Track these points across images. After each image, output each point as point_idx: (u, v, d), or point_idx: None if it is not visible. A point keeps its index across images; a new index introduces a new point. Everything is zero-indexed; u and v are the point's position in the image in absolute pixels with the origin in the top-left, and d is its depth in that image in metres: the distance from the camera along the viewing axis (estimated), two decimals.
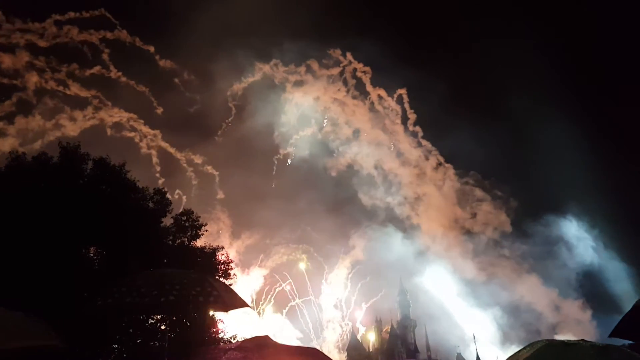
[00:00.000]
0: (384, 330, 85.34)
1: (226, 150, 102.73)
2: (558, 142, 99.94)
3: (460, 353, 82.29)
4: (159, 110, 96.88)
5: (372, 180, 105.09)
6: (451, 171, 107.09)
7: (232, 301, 6.71)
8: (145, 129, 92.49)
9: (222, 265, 26.75)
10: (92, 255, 23.00)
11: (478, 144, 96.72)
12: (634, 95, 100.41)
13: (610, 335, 4.92)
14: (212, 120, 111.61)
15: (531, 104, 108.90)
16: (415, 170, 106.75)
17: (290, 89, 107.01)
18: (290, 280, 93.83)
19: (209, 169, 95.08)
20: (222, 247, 27.62)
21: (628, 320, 4.76)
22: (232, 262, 28.40)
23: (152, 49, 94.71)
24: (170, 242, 25.74)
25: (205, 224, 27.22)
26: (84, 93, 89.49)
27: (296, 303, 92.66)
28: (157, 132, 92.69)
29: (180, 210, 26.93)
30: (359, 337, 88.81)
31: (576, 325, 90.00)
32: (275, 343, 4.18)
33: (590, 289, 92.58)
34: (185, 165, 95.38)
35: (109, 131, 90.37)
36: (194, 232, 26.43)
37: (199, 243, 26.63)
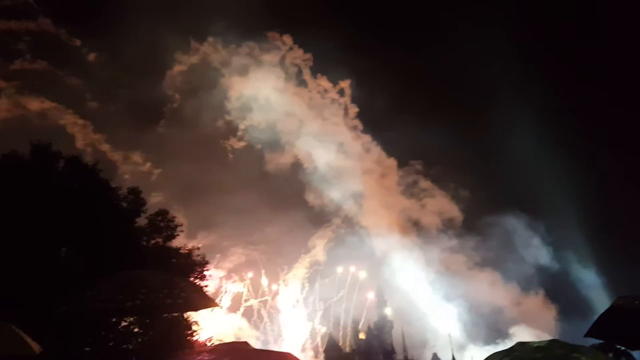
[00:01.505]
0: (361, 330, 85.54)
1: (171, 142, 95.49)
2: (517, 141, 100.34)
3: (436, 353, 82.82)
4: (92, 104, 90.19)
5: (320, 176, 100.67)
6: (396, 165, 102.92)
7: (201, 302, 6.54)
8: (75, 119, 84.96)
9: (198, 267, 26.46)
10: (65, 256, 22.54)
11: (426, 138, 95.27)
12: (599, 88, 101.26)
13: (586, 335, 4.91)
14: (152, 110, 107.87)
15: (487, 100, 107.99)
16: (360, 164, 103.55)
17: (231, 74, 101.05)
18: (248, 280, 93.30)
19: (148, 166, 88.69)
20: (198, 248, 27.37)
21: (604, 321, 4.76)
22: (208, 262, 28.16)
23: (78, 42, 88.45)
24: (145, 242, 25.38)
25: (181, 224, 26.92)
26: (2, 84, 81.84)
27: (255, 303, 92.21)
28: (87, 122, 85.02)
29: (156, 211, 26.53)
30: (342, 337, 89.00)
31: (539, 321, 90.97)
32: (252, 348, 4.05)
33: (550, 287, 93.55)
34: (122, 166, 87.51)
35: (35, 122, 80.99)
36: (169, 232, 26.11)
37: (175, 244, 26.33)
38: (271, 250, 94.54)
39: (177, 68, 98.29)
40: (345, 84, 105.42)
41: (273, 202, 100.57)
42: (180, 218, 27.39)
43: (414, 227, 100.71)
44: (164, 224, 26.04)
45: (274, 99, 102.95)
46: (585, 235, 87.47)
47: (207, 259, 27.87)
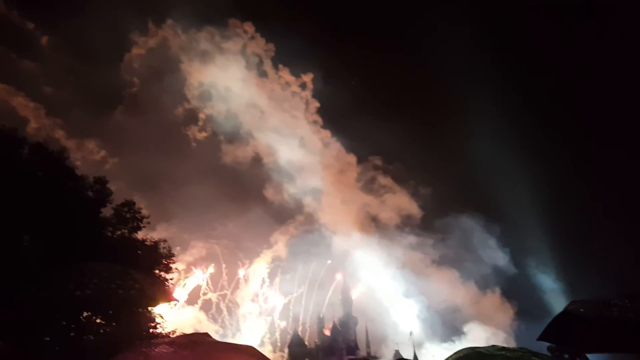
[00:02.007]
0: (325, 327, 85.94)
1: (128, 130, 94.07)
2: (479, 143, 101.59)
3: (398, 350, 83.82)
4: (47, 89, 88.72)
5: (280, 171, 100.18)
6: (355, 161, 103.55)
7: (157, 295, 6.52)
8: (26, 102, 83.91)
9: (164, 259, 26.23)
10: (27, 244, 22.07)
11: (387, 136, 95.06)
12: (560, 91, 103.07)
13: (539, 339, 5.13)
14: (110, 95, 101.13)
15: (450, 102, 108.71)
16: (320, 159, 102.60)
17: (191, 60, 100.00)
18: (207, 274, 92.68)
19: (102, 154, 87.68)
20: (165, 240, 27.11)
21: (556, 325, 4.98)
22: (174, 255, 27.92)
23: (31, 25, 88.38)
24: (110, 233, 25.02)
25: (148, 216, 26.57)
26: None
27: (213, 296, 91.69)
28: (39, 106, 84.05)
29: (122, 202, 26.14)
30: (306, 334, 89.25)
31: (495, 320, 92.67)
32: (212, 340, 4.12)
33: (507, 288, 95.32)
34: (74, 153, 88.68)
35: None
36: (135, 223, 25.76)
37: (140, 235, 26.01)
38: (233, 244, 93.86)
39: (136, 51, 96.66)
40: (307, 77, 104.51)
41: (234, 195, 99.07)
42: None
43: (373, 224, 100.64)
44: (130, 215, 25.71)
45: (234, 88, 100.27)
46: (543, 239, 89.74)
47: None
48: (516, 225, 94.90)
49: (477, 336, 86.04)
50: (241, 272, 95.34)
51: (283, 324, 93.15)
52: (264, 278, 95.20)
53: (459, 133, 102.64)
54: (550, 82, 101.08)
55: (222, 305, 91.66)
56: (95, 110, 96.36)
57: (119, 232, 25.38)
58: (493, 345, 4.52)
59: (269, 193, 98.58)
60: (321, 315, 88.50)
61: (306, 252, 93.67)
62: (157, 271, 26.17)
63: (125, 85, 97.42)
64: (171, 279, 27.53)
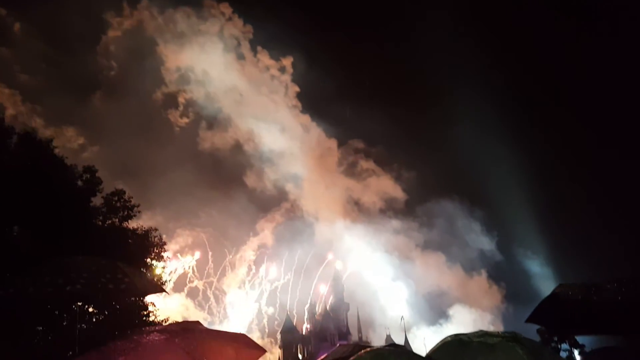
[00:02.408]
0: (317, 313, 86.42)
1: (108, 116, 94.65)
2: (465, 128, 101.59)
3: (389, 335, 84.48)
4: (23, 76, 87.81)
5: (261, 157, 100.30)
6: (336, 145, 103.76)
7: (146, 288, 6.51)
8: (1, 89, 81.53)
9: (155, 248, 26.20)
10: (16, 235, 21.94)
11: (369, 120, 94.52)
12: (546, 77, 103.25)
13: (527, 321, 5.20)
14: (87, 80, 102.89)
15: (436, 87, 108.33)
16: (300, 145, 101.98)
17: (167, 43, 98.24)
18: (193, 262, 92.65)
19: (82, 141, 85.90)
20: (156, 229, 27.06)
21: (544, 308, 5.05)
22: (165, 244, 27.90)
23: (3, 11, 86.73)
24: (101, 222, 24.93)
25: (138, 205, 26.49)
26: None
27: (200, 284, 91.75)
28: (15, 92, 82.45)
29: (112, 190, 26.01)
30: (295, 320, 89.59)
31: (481, 304, 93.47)
32: (203, 328, 4.15)
33: (493, 272, 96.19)
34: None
35: None
36: (126, 212, 25.69)
37: (132, 224, 25.96)
38: (218, 233, 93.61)
39: (112, 33, 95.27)
40: (287, 61, 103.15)
41: (216, 182, 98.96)
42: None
43: (356, 208, 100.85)
44: (120, 204, 25.62)
45: (212, 72, 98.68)
46: (530, 223, 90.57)
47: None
48: (502, 210, 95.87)
49: (462, 319, 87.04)
50: (227, 260, 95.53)
51: (271, 310, 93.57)
52: (250, 265, 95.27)
53: (443, 118, 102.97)
54: (535, 69, 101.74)
55: (209, 293, 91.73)
56: (73, 96, 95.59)
57: (109, 222, 25.30)
58: (479, 331, 4.55)
59: (250, 180, 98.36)
60: (313, 301, 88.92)
61: (292, 239, 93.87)
62: (148, 260, 26.17)
63: (102, 69, 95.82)
64: (163, 268, 27.56)
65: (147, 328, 3.93)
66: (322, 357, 4.63)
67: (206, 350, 3.78)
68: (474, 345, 4.71)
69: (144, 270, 25.24)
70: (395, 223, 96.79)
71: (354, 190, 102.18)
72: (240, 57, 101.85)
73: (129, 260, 24.61)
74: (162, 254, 26.79)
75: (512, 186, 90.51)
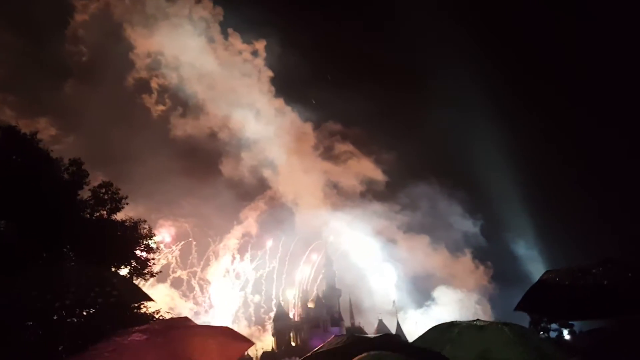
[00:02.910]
0: (309, 300, 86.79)
1: (83, 104, 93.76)
2: (449, 108, 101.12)
3: (381, 320, 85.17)
4: None
5: (236, 144, 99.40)
6: (312, 128, 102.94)
7: (134, 298, 6.41)
8: None
9: (144, 240, 26.05)
10: (2, 229, 21.73)
11: (345, 102, 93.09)
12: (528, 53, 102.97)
13: (516, 309, 5.22)
14: (58, 69, 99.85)
15: (413, 65, 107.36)
16: (275, 129, 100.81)
17: (135, 27, 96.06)
18: (177, 252, 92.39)
19: (54, 132, 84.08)
20: (145, 221, 26.87)
21: (532, 295, 5.06)
22: (154, 235, 27.75)
23: None
24: (89, 215, 24.73)
25: (126, 197, 26.26)
26: None
27: (184, 274, 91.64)
28: None
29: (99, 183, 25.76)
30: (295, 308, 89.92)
31: (469, 283, 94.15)
32: (189, 324, 4.08)
33: (480, 254, 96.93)
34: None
35: None
36: (114, 204, 25.48)
37: (120, 216, 25.76)
38: (202, 222, 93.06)
39: (79, 17, 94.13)
40: (260, 45, 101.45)
41: (194, 171, 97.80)
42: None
43: (336, 192, 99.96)
44: (108, 196, 25.41)
45: (183, 57, 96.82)
46: (516, 205, 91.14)
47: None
48: (487, 191, 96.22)
49: (448, 300, 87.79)
50: (211, 249, 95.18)
51: (257, 298, 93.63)
52: (234, 254, 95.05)
53: (424, 99, 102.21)
54: (521, 47, 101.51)
55: (193, 283, 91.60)
56: (44, 85, 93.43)
57: (97, 214, 25.09)
58: (475, 319, 4.60)
59: (227, 168, 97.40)
60: (304, 289, 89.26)
61: (275, 227, 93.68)
62: (137, 252, 26.04)
63: (72, 54, 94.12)
64: (152, 259, 27.42)
65: (130, 329, 3.85)
66: (317, 348, 4.62)
67: (189, 348, 3.72)
68: (463, 325, 4.76)
69: (136, 265, 25.16)
70: (378, 206, 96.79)
71: (333, 173, 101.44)
72: (211, 40, 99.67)
73: (118, 253, 24.51)
74: (152, 245, 26.62)
75: (497, 167, 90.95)
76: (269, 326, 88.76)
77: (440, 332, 4.63)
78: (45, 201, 21.26)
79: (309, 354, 4.47)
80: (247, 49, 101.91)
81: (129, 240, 25.33)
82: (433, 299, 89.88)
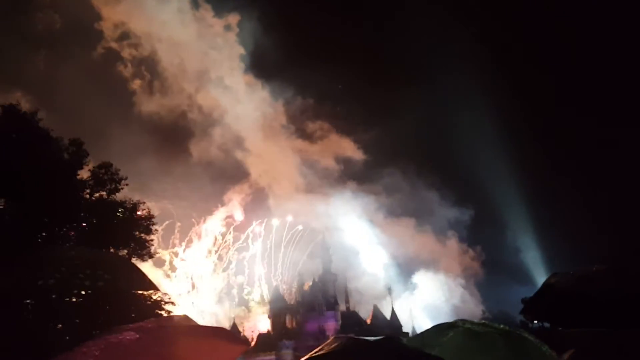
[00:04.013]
0: (305, 284, 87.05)
1: (57, 78, 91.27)
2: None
3: (376, 305, 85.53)
4: None
5: (209, 121, 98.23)
6: (283, 105, 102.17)
7: (131, 284, 6.30)
8: None
9: (144, 221, 25.98)
10: (2, 208, 21.66)
11: (320, 80, 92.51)
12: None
13: (522, 313, 5.13)
14: (31, 41, 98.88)
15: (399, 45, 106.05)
16: (247, 107, 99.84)
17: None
18: (159, 231, 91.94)
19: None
20: (144, 202, 26.80)
21: (538, 301, 4.94)
22: (154, 217, 27.68)
23: None
24: (88, 196, 24.65)
25: (126, 177, 26.13)
26: None
27: (165, 254, 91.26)
28: None
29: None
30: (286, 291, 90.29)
31: (455, 265, 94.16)
32: (183, 324, 3.98)
33: (471, 239, 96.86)
34: None
35: None
36: (114, 185, 25.37)
37: (119, 197, 25.67)
38: (186, 204, 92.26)
39: None
40: (233, 19, 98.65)
41: (163, 149, 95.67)
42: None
43: (312, 172, 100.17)
44: (107, 177, 25.30)
45: (151, 29, 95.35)
46: (509, 195, 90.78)
47: None
48: (479, 177, 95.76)
49: (432, 284, 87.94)
50: (195, 230, 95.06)
51: (240, 279, 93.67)
52: (215, 236, 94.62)
53: (406, 79, 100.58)
54: (517, 35, 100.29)
55: (175, 263, 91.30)
56: (17, 56, 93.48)
57: (96, 195, 25.00)
58: (481, 321, 4.52)
59: (196, 148, 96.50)
60: (300, 272, 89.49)
61: (255, 209, 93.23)
62: (137, 233, 25.99)
63: (44, 23, 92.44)
64: (151, 240, 27.38)
65: (123, 326, 3.75)
66: (316, 350, 4.52)
67: (181, 351, 3.64)
68: (460, 329, 4.68)
69: (134, 246, 25.03)
70: (357, 187, 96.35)
71: (308, 152, 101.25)
72: (181, 11, 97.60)
73: (117, 234, 24.44)
74: (151, 227, 26.56)
75: (486, 151, 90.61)
76: (255, 308, 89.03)
77: (437, 332, 4.56)
78: (44, 181, 21.15)
79: (307, 356, 4.39)
80: (218, 23, 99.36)
81: (128, 222, 25.27)
82: (418, 281, 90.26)
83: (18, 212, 21.30)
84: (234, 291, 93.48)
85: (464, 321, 4.54)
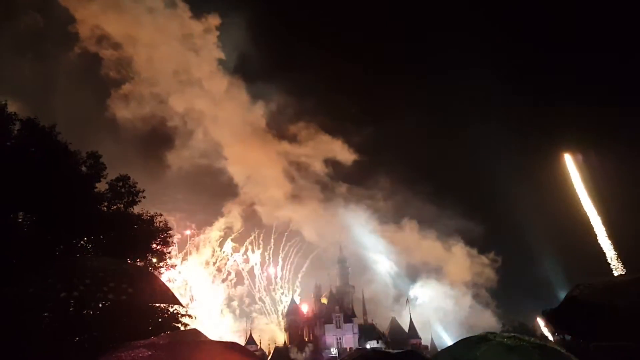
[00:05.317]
0: (322, 296, 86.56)
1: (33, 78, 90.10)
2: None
3: (395, 317, 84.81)
4: None
5: (189, 126, 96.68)
6: (264, 107, 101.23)
7: (153, 297, 6.25)
8: None
9: (161, 233, 26.10)
10: (21, 221, 21.86)
11: (306, 78, 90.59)
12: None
13: (546, 326, 5.01)
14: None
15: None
16: (228, 110, 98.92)
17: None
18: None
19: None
20: (161, 214, 26.96)
21: (564, 312, 4.81)
22: (171, 229, 27.82)
23: None
24: (106, 208, 24.83)
25: (143, 190, 26.31)
26: None
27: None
28: None
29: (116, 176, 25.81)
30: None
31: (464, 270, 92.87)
32: (195, 339, 3.92)
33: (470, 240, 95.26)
34: None
35: None
36: (131, 198, 25.56)
37: (136, 210, 25.86)
38: (185, 216, 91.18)
39: None
40: (214, 20, 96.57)
41: (146, 157, 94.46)
42: None
43: (298, 173, 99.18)
44: (125, 190, 25.50)
45: (130, 29, 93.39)
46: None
47: None
48: (490, 186, 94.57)
49: (442, 290, 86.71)
50: (192, 242, 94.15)
51: (239, 289, 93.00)
52: (214, 248, 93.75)
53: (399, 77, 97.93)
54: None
55: (173, 275, 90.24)
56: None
57: (114, 207, 25.19)
58: (511, 334, 4.40)
59: (179, 156, 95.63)
60: (317, 284, 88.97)
61: (250, 220, 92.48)
62: (154, 245, 26.11)
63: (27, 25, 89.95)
64: (169, 253, 27.52)
65: (135, 342, 3.70)
66: None
67: None
68: (492, 343, 4.56)
69: (151, 258, 25.11)
70: (350, 191, 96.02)
71: (292, 154, 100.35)
72: (153, 10, 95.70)
73: (135, 246, 24.54)
74: (168, 239, 26.68)
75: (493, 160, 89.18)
76: (258, 319, 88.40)
77: (467, 346, 4.44)
78: (62, 194, 21.34)
79: None
80: (198, 24, 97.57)
81: (146, 234, 25.41)
82: (420, 293, 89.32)
83: (37, 225, 21.50)
84: (235, 303, 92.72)
85: (494, 334, 4.43)
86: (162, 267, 26.48)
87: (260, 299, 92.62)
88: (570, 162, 77.30)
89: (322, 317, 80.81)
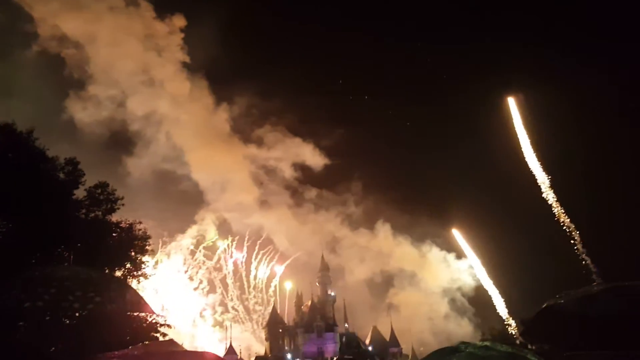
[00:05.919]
0: (304, 305, 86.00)
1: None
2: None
3: (376, 326, 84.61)
4: None
5: (150, 130, 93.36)
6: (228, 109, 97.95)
7: (124, 307, 6.15)
8: None
9: (139, 241, 25.80)
10: None
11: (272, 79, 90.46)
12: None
13: (521, 335, 5.05)
14: None
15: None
16: (191, 112, 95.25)
17: None
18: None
19: None
20: (140, 222, 26.65)
21: (538, 323, 4.85)
22: (150, 237, 27.51)
23: None
24: (84, 215, 24.47)
25: (122, 197, 26.00)
26: None
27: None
28: None
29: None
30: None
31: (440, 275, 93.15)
32: (170, 350, 3.87)
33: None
34: None
35: None
36: (109, 205, 25.25)
37: (115, 217, 25.53)
38: (157, 224, 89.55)
39: None
40: (179, 21, 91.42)
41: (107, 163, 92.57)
42: None
43: (267, 177, 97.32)
44: (103, 197, 25.18)
45: (90, 28, 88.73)
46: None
47: None
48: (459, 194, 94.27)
49: (416, 298, 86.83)
50: (163, 250, 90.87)
51: (212, 297, 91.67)
52: (185, 258, 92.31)
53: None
54: None
55: (145, 283, 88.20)
56: None
57: (92, 215, 24.84)
58: (483, 343, 4.42)
59: (134, 161, 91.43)
60: (299, 294, 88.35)
61: (234, 228, 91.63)
62: (132, 253, 25.80)
63: None
64: (146, 261, 27.18)
65: (109, 353, 3.63)
66: None
67: None
68: (463, 354, 4.59)
69: (130, 267, 24.77)
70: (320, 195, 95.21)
71: (260, 158, 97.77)
72: (114, 8, 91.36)
73: (114, 254, 24.19)
74: (147, 247, 26.39)
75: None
76: (232, 327, 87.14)
77: (439, 358, 4.45)
78: (40, 200, 20.99)
79: None
80: (162, 24, 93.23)
81: (124, 242, 25.10)
82: (399, 296, 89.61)
83: (13, 232, 21.09)
84: (216, 316, 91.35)
85: (466, 344, 4.45)
86: (140, 275, 26.15)
87: (233, 307, 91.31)
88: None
89: (303, 327, 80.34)
